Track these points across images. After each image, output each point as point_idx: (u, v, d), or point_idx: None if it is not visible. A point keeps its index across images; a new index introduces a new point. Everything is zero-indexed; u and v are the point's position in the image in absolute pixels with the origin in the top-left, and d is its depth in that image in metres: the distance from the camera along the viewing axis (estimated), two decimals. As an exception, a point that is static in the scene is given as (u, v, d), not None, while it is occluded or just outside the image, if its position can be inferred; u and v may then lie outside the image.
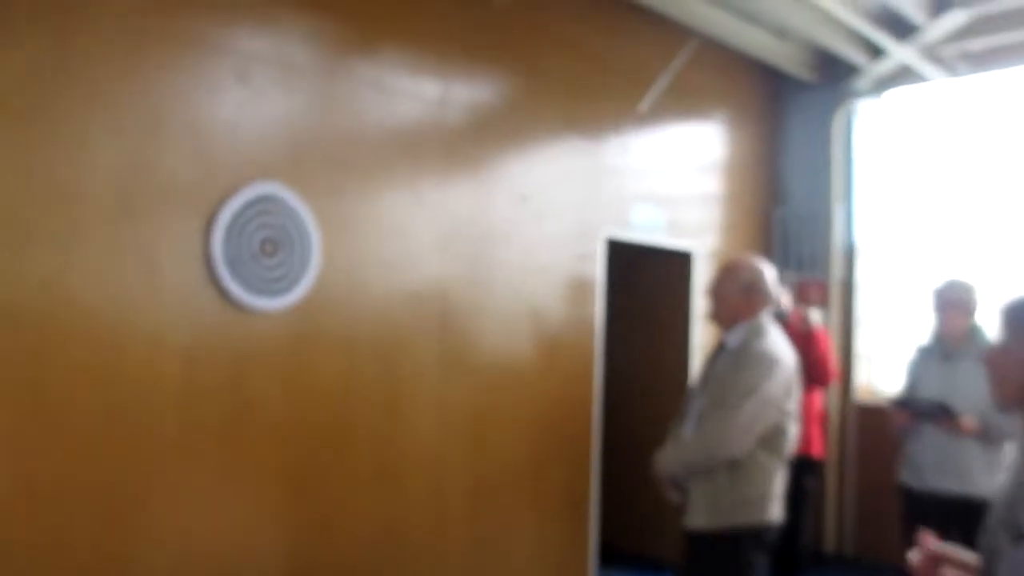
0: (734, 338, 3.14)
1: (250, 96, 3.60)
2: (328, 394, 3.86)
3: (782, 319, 4.98)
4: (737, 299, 3.16)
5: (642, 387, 5.88)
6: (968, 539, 3.77)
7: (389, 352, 4.11)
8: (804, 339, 4.88)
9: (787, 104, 6.62)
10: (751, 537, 3.03)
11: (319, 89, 3.87)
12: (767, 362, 3.01)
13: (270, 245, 3.59)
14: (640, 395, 5.85)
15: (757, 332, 3.11)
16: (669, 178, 5.67)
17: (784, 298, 5.08)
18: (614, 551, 5.78)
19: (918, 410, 3.85)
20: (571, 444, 4.99)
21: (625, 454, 5.55)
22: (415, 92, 4.25)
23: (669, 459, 3.15)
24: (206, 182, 3.46)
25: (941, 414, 3.74)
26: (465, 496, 4.41)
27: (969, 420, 3.71)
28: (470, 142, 4.49)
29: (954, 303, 3.99)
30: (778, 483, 3.09)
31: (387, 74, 4.13)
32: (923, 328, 4.22)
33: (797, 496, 4.77)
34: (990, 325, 4.02)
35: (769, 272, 3.21)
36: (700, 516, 3.04)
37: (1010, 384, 1.71)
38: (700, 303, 5.58)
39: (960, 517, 3.83)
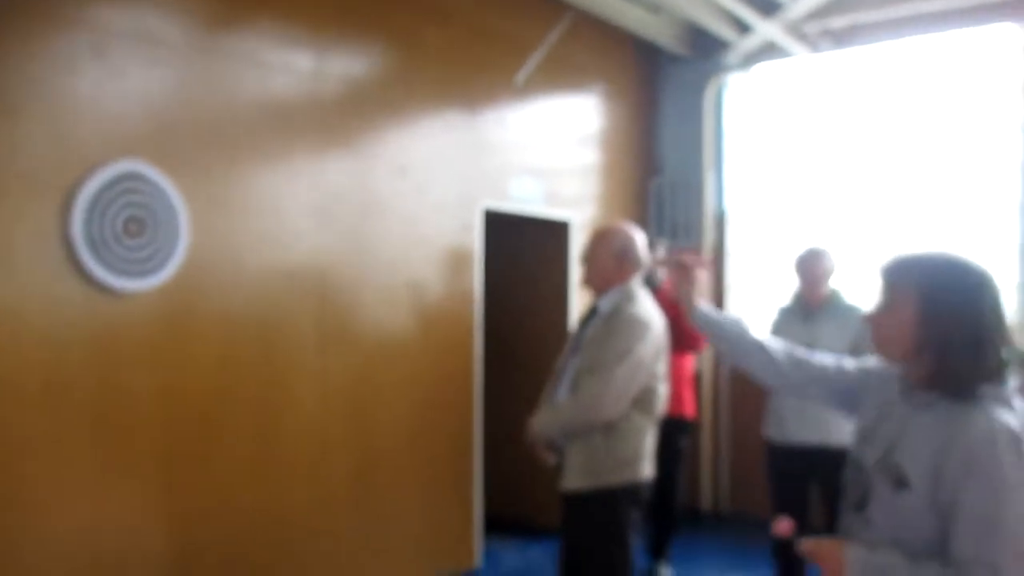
0: (606, 303, 3.24)
1: (109, 72, 3.46)
2: (205, 376, 3.79)
3: (656, 285, 5.13)
4: (609, 265, 3.25)
5: (523, 355, 5.98)
6: (829, 488, 4.06)
7: (267, 330, 4.05)
8: (676, 305, 5.03)
9: (661, 77, 6.79)
10: (626, 495, 3.15)
11: (185, 63, 3.74)
12: (639, 326, 3.12)
13: (135, 225, 3.47)
14: (521, 363, 5.95)
15: (628, 297, 3.21)
16: (547, 150, 5.74)
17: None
18: (500, 520, 5.89)
19: None
20: (454, 415, 5.05)
21: (508, 423, 5.64)
22: (288, 65, 4.16)
23: (545, 422, 3.23)
24: (64, 162, 3.32)
25: None
26: (349, 473, 4.41)
27: None
28: (346, 115, 4.43)
29: (815, 268, 4.21)
30: (650, 442, 3.23)
31: (258, 47, 4.03)
32: (787, 291, 4.43)
33: (671, 455, 4.96)
34: (848, 288, 4.27)
35: (640, 238, 3.32)
36: (577, 478, 3.13)
37: (892, 342, 1.80)
38: (578, 271, 5.69)
39: (821, 467, 4.09)
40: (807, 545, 1.82)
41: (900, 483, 1.72)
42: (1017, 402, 1.74)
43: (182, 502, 3.70)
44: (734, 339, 2.22)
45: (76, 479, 3.35)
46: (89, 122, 3.40)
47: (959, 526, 1.62)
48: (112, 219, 3.40)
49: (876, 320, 1.84)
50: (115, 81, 3.47)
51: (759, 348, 2.17)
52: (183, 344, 3.71)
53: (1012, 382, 1.74)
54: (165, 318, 3.64)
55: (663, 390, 3.24)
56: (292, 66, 4.18)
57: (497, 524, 5.79)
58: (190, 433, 3.73)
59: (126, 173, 3.45)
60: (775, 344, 2.18)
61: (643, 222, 6.65)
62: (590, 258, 3.33)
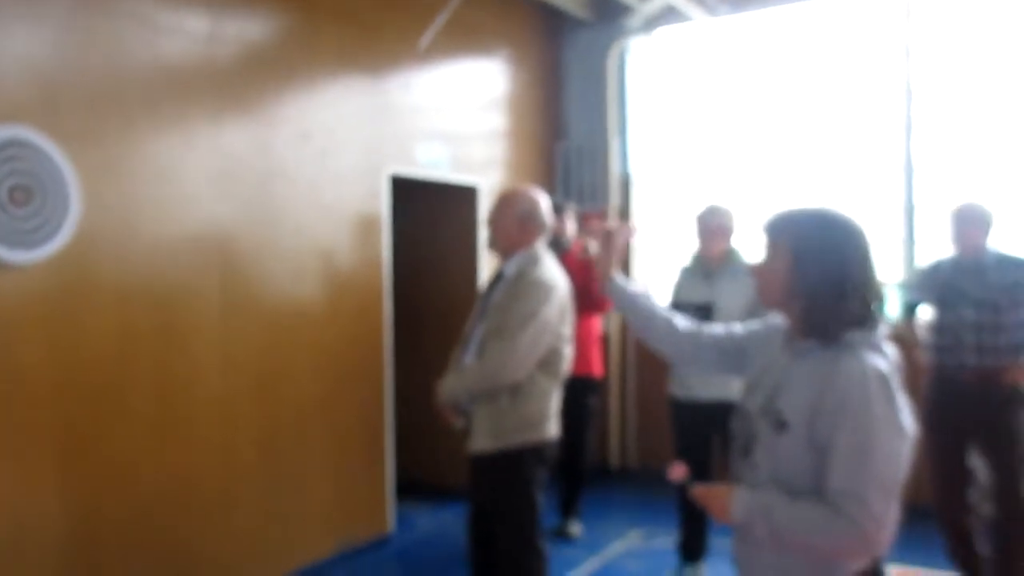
0: (511, 267, 3.27)
1: (-14, 30, 3.28)
2: (102, 347, 3.68)
3: (565, 248, 5.20)
4: (514, 228, 3.28)
5: (432, 320, 5.99)
6: (729, 440, 4.21)
7: (167, 300, 3.95)
8: (584, 267, 5.11)
9: (565, 42, 6.82)
10: (533, 455, 3.21)
11: (72, 24, 3.57)
12: (544, 289, 3.17)
13: (21, 193, 3.33)
14: (431, 328, 5.96)
15: (533, 260, 3.25)
16: (452, 115, 5.72)
17: (569, 227, 5.30)
18: (412, 484, 5.93)
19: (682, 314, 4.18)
20: (364, 381, 5.03)
21: (418, 387, 5.65)
22: (181, 27, 4.02)
23: (452, 386, 3.26)
24: (-60, 126, 3.15)
25: (703, 316, 4.08)
26: (256, 441, 4.37)
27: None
28: (243, 80, 4.32)
29: (714, 227, 4.33)
30: (555, 402, 3.29)
31: (149, 7, 3.88)
32: (688, 252, 4.55)
33: (580, 414, 5.06)
34: (746, 247, 4.41)
35: (544, 202, 3.35)
36: (484, 439, 3.18)
37: (769, 290, 1.96)
38: (485, 236, 5.72)
39: (721, 420, 4.22)
40: (697, 490, 1.92)
41: (780, 426, 1.84)
42: (887, 347, 1.88)
43: (81, 477, 3.60)
44: (643, 313, 2.35)
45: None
46: (-34, 85, 3.23)
47: (833, 461, 1.74)
48: (-4, 187, 3.25)
49: (758, 271, 2.00)
50: (-6, 42, 3.30)
51: (665, 323, 2.32)
52: (78, 315, 3.59)
53: (882, 329, 1.89)
54: (58, 289, 3.51)
55: (568, 351, 3.30)
56: (186, 27, 4.04)
57: (409, 488, 5.83)
58: (88, 406, 3.62)
59: (8, 139, 3.29)
60: (678, 320, 2.33)
61: (550, 186, 6.71)
62: (495, 222, 3.35)
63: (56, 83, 3.51)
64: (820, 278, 1.86)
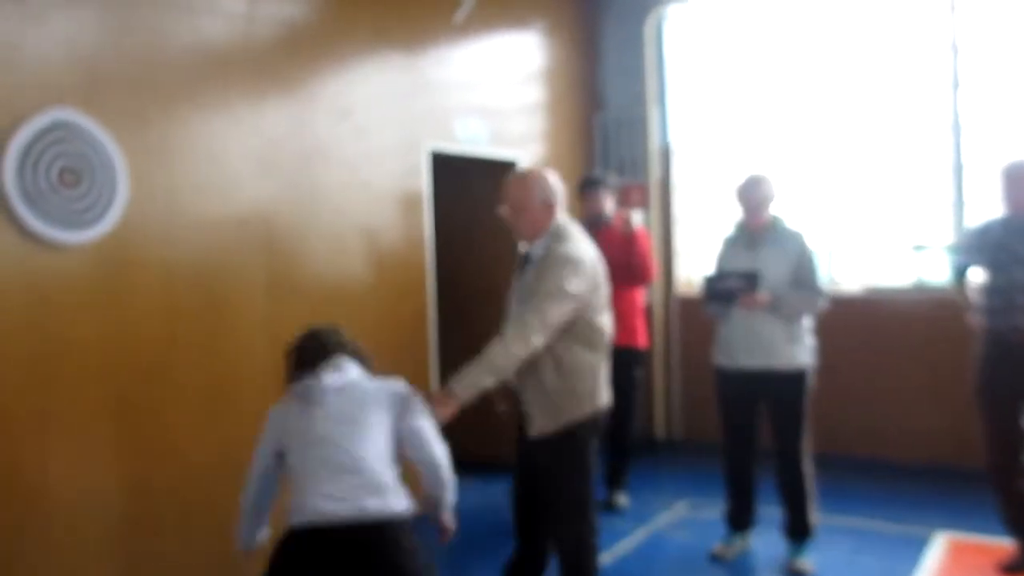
0: (538, 248, 3.23)
1: (30, 16, 3.33)
2: (150, 327, 3.75)
3: (606, 222, 5.17)
4: (539, 213, 3.22)
5: (474, 295, 6.00)
6: (776, 406, 4.19)
7: (212, 279, 4.01)
8: (626, 240, 5.09)
9: (601, 11, 6.75)
10: (588, 425, 3.21)
11: (112, 7, 3.62)
12: (571, 264, 3.11)
13: (70, 175, 3.39)
14: (473, 303, 5.98)
15: (559, 237, 3.19)
16: (490, 89, 5.70)
17: (608, 201, 5.27)
18: (458, 458, 5.94)
19: (728, 285, 4.15)
20: (408, 357, 5.07)
21: (463, 363, 5.68)
22: (219, 7, 4.06)
23: (472, 376, 3.06)
24: (-11, 112, 3.21)
25: (749, 284, 4.05)
26: (305, 417, 4.42)
27: (763, 295, 4.05)
28: (281, 59, 4.35)
29: (757, 197, 4.28)
30: (603, 373, 3.28)
31: (186, -11, 3.92)
32: (731, 221, 4.50)
33: (626, 386, 5.06)
34: (789, 215, 4.35)
35: (552, 175, 3.31)
36: (544, 421, 3.17)
37: None
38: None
39: (767, 389, 4.21)
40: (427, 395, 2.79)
41: None
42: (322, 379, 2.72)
43: (135, 452, 3.69)
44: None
45: (17, 433, 3.31)
46: (13, 70, 3.29)
47: None
48: (46, 170, 3.32)
49: None
50: (36, 26, 3.36)
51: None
52: (127, 295, 3.66)
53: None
54: (107, 269, 3.58)
55: (605, 321, 3.26)
56: (224, 8, 4.08)
57: (455, 463, 5.85)
58: (139, 383, 3.70)
59: (56, 122, 3.36)
60: None
61: (589, 158, 6.68)
62: (520, 214, 3.23)
63: (99, 66, 3.57)
64: None
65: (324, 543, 2.49)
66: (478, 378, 3.02)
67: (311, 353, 2.81)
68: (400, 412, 2.78)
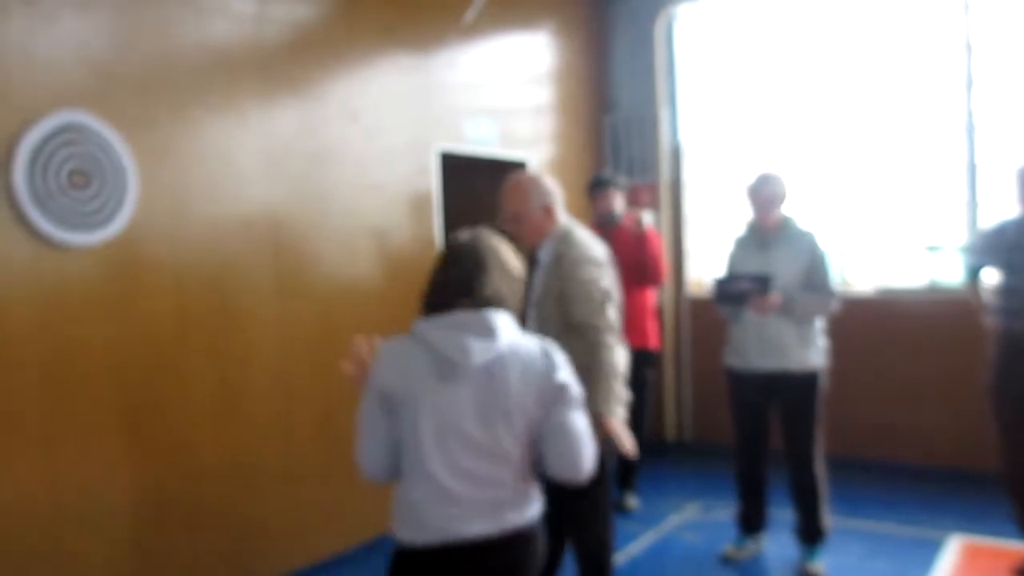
0: (545, 252, 3.21)
1: (41, 18, 3.34)
2: (160, 327, 3.75)
3: (616, 223, 5.15)
4: (540, 219, 3.21)
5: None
6: (788, 408, 4.16)
7: (222, 281, 4.01)
8: (637, 241, 5.07)
9: (611, 11, 6.73)
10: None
11: (121, 8, 3.62)
12: (594, 265, 3.12)
13: (80, 177, 3.40)
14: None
15: (567, 241, 3.18)
16: (499, 90, 5.69)
17: (618, 201, 5.25)
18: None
19: (739, 288, 4.11)
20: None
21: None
22: (228, 9, 4.06)
23: (604, 391, 3.12)
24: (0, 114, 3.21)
25: (761, 287, 4.01)
26: (314, 418, 4.42)
27: (775, 297, 4.01)
28: (290, 60, 4.34)
29: (767, 196, 4.24)
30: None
31: (195, -10, 3.92)
32: (742, 222, 4.47)
33: (637, 387, 5.03)
34: (800, 215, 4.32)
35: (547, 177, 3.29)
36: None
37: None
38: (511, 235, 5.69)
39: (779, 391, 4.18)
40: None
41: None
42: (431, 331, 2.10)
43: (145, 453, 3.68)
44: None
45: (28, 435, 3.30)
46: (23, 72, 3.29)
47: None
48: (56, 171, 3.32)
49: None
50: (47, 28, 3.36)
51: None
52: (136, 296, 3.66)
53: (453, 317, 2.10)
54: (117, 270, 3.58)
55: (619, 319, 3.27)
56: (233, 9, 4.07)
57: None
58: (149, 385, 3.70)
59: (66, 124, 3.36)
60: None
61: (599, 159, 6.66)
62: (521, 221, 3.21)
63: (108, 68, 3.57)
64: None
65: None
66: (613, 391, 3.09)
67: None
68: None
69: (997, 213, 4.67)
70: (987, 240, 4.09)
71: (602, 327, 3.08)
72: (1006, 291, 3.92)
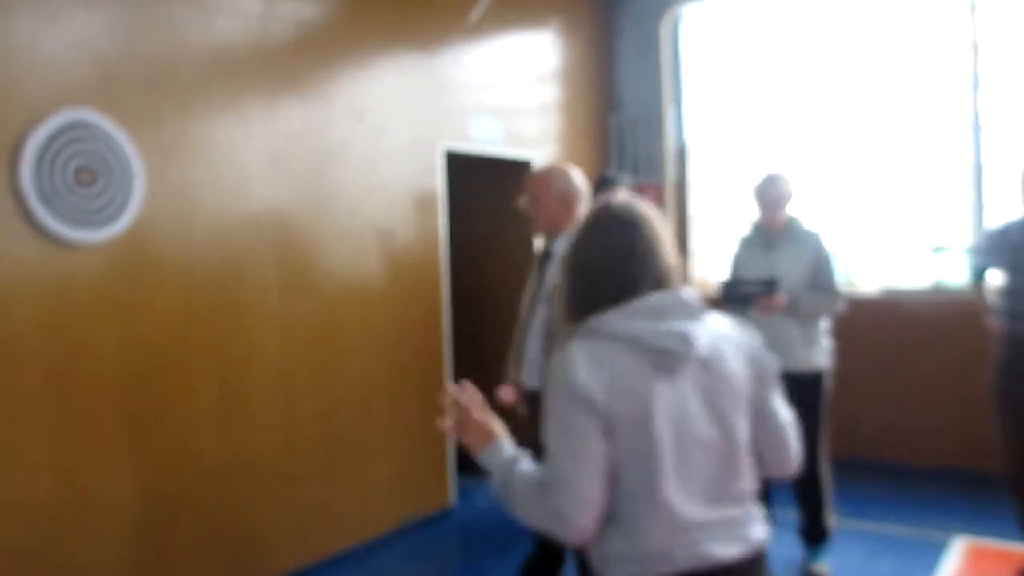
0: (560, 245, 3.23)
1: (46, 16, 3.35)
2: (164, 326, 3.76)
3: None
4: (556, 208, 3.23)
5: (489, 295, 5.99)
6: (792, 408, 4.14)
7: (227, 279, 4.01)
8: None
9: (617, 11, 6.72)
10: None
11: (128, 7, 3.63)
12: None
13: (86, 174, 3.41)
14: (488, 303, 5.97)
15: None
16: (505, 89, 5.69)
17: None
18: (469, 461, 5.95)
19: (745, 290, 4.10)
20: (423, 359, 5.07)
21: (477, 363, 5.68)
22: (234, 7, 4.06)
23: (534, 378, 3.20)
24: (6, 112, 3.22)
25: (768, 290, 4.00)
26: (318, 418, 4.43)
27: (780, 298, 4.00)
28: (296, 59, 4.35)
29: (774, 196, 4.24)
30: None
31: (202, -11, 3.93)
32: (747, 222, 4.46)
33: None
34: (806, 216, 4.31)
35: (577, 173, 3.31)
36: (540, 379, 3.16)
37: None
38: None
39: (784, 390, 4.16)
40: (466, 411, 1.89)
41: None
42: (625, 323, 1.69)
43: (148, 453, 3.69)
44: None
45: (33, 434, 3.31)
46: (29, 70, 3.30)
47: None
48: (62, 169, 3.33)
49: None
50: (53, 26, 3.37)
51: None
52: (141, 294, 3.67)
53: (631, 308, 1.70)
54: (122, 269, 3.59)
55: None
56: (239, 8, 4.08)
57: (470, 463, 5.85)
58: (152, 384, 3.71)
59: (72, 122, 3.37)
60: None
61: (604, 158, 6.65)
62: (535, 206, 3.28)
63: (114, 66, 3.58)
64: (572, 272, 1.81)
65: None
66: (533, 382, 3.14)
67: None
68: None
69: (1002, 214, 4.65)
70: (992, 241, 4.08)
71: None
72: (1011, 292, 3.91)
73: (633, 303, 1.69)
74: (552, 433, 1.65)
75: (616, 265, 1.73)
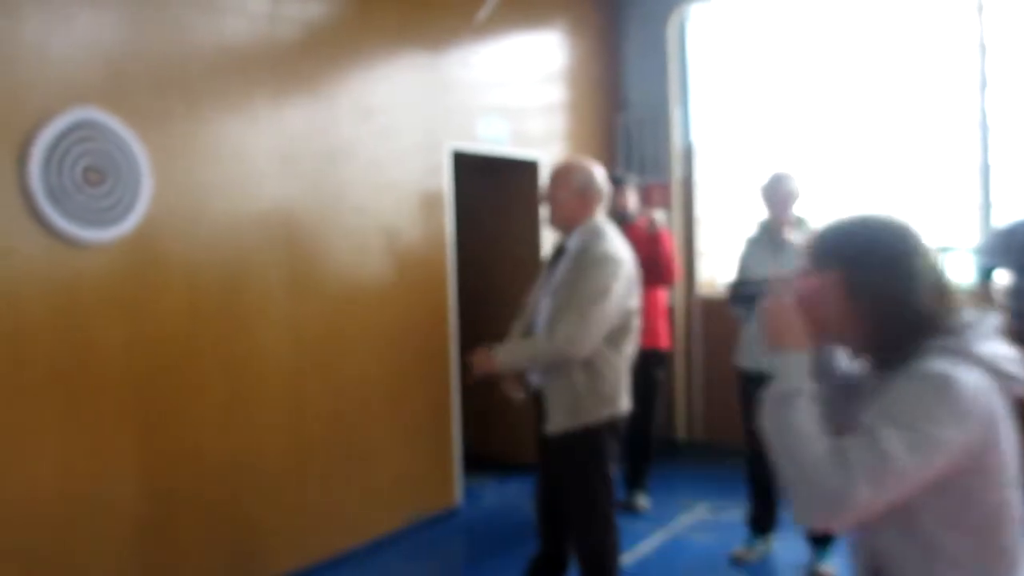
0: (574, 241, 3.23)
1: (55, 16, 3.36)
2: (172, 325, 3.77)
3: (629, 221, 5.15)
4: (573, 202, 3.24)
5: (495, 294, 5.99)
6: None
7: (234, 279, 4.02)
8: (650, 241, 5.06)
9: (623, 10, 6.72)
10: (608, 429, 3.20)
11: (136, 6, 3.64)
12: (613, 264, 3.12)
13: (95, 173, 3.42)
14: (494, 302, 5.96)
15: (597, 234, 3.20)
16: (512, 89, 5.69)
17: (632, 199, 5.24)
18: (478, 458, 5.97)
19: (752, 291, 4.10)
20: (429, 358, 5.07)
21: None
22: (242, 7, 4.07)
23: (514, 352, 3.22)
24: (14, 113, 3.24)
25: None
26: (324, 416, 4.44)
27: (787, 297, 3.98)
28: (304, 58, 4.36)
29: (782, 195, 4.24)
30: (627, 377, 3.27)
31: (209, -11, 3.94)
32: (754, 221, 4.46)
33: (648, 387, 5.03)
34: (814, 216, 4.31)
35: (599, 171, 3.31)
36: (562, 418, 3.15)
37: (827, 325, 1.64)
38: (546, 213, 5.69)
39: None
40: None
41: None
42: (981, 347, 1.53)
43: (155, 452, 3.70)
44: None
45: (40, 432, 3.32)
46: (37, 70, 3.31)
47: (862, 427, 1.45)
48: (71, 168, 3.35)
49: (806, 307, 1.64)
50: (61, 26, 3.38)
51: None
52: (149, 293, 3.68)
53: (975, 331, 1.55)
54: (130, 268, 3.61)
55: (635, 325, 3.26)
56: (247, 7, 4.09)
57: (475, 462, 5.87)
58: (160, 383, 3.72)
59: (81, 121, 3.38)
60: None
61: (611, 158, 6.65)
62: (552, 197, 3.29)
63: (122, 65, 3.59)
64: (881, 298, 1.57)
65: None
66: (517, 356, 3.19)
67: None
68: None
69: (1010, 214, 4.64)
70: (999, 241, 4.07)
71: (575, 320, 3.08)
72: (1018, 292, 3.90)
73: (963, 321, 1.59)
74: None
75: (935, 284, 1.62)
